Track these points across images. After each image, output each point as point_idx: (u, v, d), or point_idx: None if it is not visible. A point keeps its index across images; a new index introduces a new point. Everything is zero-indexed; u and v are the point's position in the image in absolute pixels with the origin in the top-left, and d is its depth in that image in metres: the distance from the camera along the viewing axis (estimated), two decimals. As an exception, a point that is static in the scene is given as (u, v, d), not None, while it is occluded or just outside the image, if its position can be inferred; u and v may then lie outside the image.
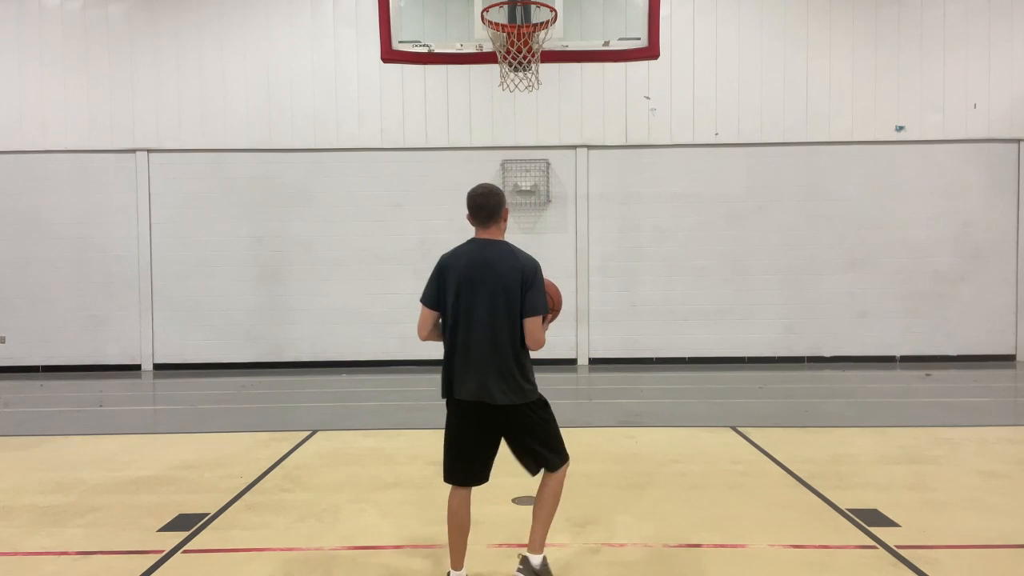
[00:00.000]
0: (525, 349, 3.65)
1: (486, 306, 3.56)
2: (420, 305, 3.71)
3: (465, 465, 3.69)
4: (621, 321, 12.05)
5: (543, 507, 3.72)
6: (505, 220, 3.75)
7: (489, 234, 3.71)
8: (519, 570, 3.74)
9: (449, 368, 3.66)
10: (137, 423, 8.47)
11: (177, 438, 7.29)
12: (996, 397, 9.45)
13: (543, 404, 3.74)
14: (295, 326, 12.07)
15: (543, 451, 3.70)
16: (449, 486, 3.74)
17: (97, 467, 6.11)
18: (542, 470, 3.74)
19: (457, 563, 3.73)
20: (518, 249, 3.71)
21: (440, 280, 3.65)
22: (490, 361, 3.56)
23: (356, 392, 10.13)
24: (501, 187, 11.78)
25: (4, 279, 11.99)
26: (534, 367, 3.73)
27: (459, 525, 3.69)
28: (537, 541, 3.73)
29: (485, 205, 3.67)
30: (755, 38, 11.94)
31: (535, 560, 3.72)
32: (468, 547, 3.73)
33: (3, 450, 6.78)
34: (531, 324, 3.60)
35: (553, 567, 3.87)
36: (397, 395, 9.59)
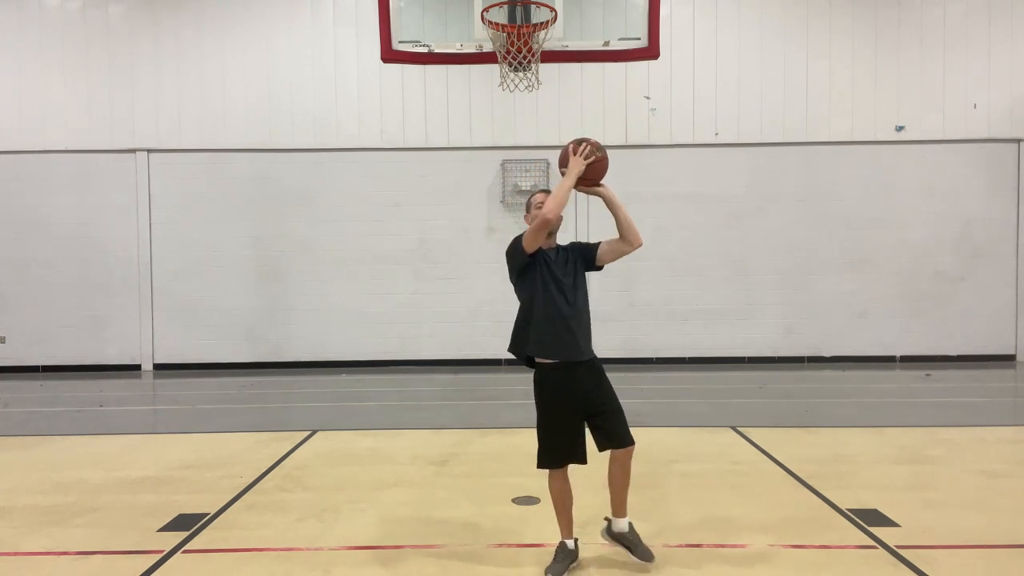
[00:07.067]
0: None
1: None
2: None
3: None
4: (621, 321, 12.03)
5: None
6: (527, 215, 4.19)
7: None
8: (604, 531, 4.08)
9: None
10: (137, 423, 8.46)
11: (177, 438, 7.28)
12: (996, 397, 9.44)
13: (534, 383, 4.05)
14: (295, 326, 12.07)
15: None
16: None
17: (97, 467, 6.11)
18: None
19: (568, 533, 4.02)
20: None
21: None
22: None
23: (356, 392, 10.12)
24: (501, 187, 11.84)
25: (4, 279, 11.99)
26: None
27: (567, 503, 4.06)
28: (618, 507, 4.04)
29: None
30: (755, 38, 11.94)
31: (620, 524, 4.01)
32: (469, 548, 3.82)
33: (3, 450, 6.78)
34: None
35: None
36: (397, 395, 9.57)
